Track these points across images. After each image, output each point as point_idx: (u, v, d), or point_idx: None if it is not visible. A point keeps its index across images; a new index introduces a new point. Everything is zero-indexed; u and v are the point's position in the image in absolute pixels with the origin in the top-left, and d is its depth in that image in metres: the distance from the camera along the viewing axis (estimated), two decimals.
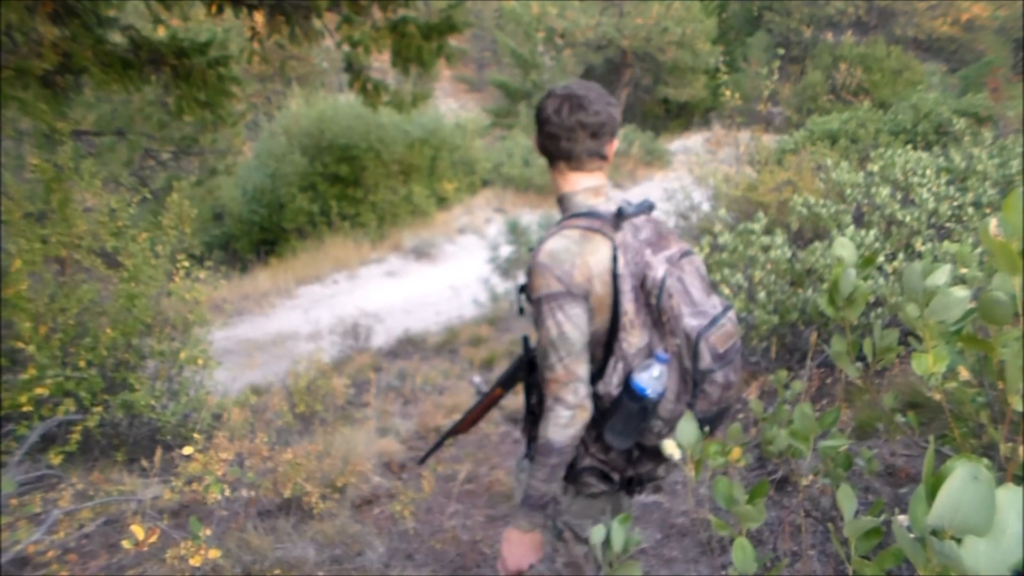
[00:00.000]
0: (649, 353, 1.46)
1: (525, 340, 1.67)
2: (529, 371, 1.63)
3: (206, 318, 4.60)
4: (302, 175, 14.59)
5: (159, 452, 3.17)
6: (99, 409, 3.54)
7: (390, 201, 15.03)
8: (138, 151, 8.26)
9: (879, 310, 3.48)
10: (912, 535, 0.79)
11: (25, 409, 3.30)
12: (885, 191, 4.48)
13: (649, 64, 23.48)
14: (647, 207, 1.57)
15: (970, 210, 4.24)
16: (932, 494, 0.75)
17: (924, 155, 5.45)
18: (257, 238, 14.83)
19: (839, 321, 1.40)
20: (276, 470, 3.32)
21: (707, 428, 1.41)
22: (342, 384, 5.26)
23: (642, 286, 1.45)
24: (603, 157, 1.55)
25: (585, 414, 1.45)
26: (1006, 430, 1.10)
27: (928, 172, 4.78)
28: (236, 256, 14.30)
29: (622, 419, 1.45)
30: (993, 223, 0.95)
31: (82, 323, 3.92)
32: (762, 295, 3.93)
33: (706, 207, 7.76)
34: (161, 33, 4.84)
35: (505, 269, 9.59)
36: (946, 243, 3.15)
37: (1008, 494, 0.69)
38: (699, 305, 1.46)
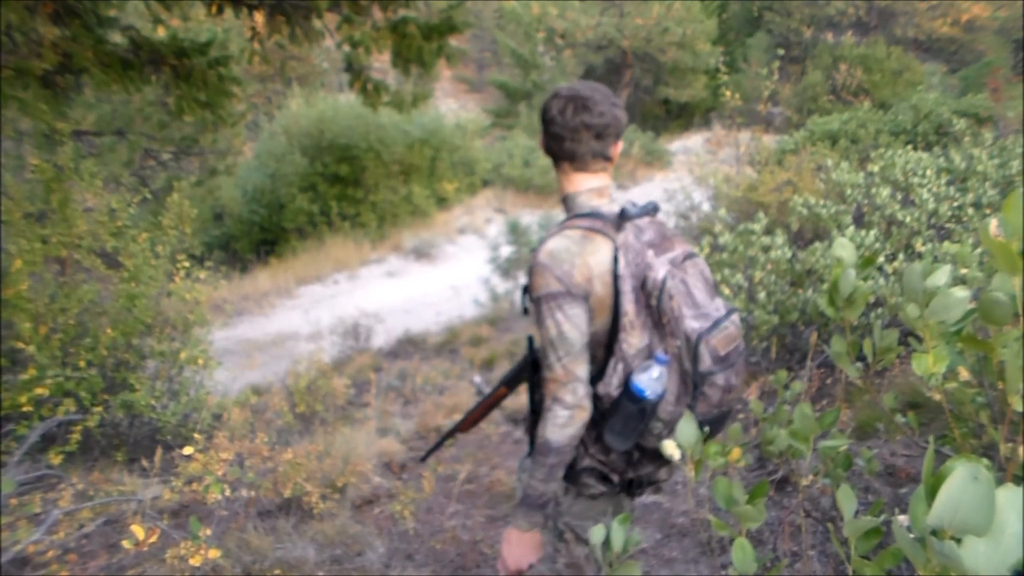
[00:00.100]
0: (649, 354, 1.45)
1: (530, 340, 1.68)
2: (533, 371, 1.63)
3: (206, 318, 4.60)
4: (302, 175, 14.59)
5: (159, 452, 3.17)
6: (99, 409, 3.54)
7: (390, 201, 15.04)
8: (138, 151, 8.26)
9: (879, 310, 3.48)
10: (912, 535, 0.79)
11: (25, 409, 3.30)
12: (885, 191, 4.48)
13: (649, 64, 23.49)
14: (651, 209, 1.57)
15: (970, 211, 4.24)
16: (932, 494, 0.75)
17: (924, 156, 5.45)
18: (257, 238, 14.84)
19: (839, 321, 1.40)
20: (276, 470, 3.32)
21: (706, 430, 1.41)
22: (342, 384, 5.26)
23: (643, 287, 1.44)
24: (607, 158, 1.55)
25: (584, 414, 1.45)
26: (1006, 430, 1.10)
27: (928, 173, 4.78)
28: (236, 256, 14.31)
29: (621, 420, 1.45)
30: (993, 224, 0.95)
31: (82, 323, 3.92)
32: (762, 295, 3.93)
33: (706, 207, 7.76)
34: (161, 33, 4.85)
35: (505, 269, 9.60)
36: (946, 243, 3.15)
37: (1008, 494, 0.69)
38: (702, 307, 1.46)
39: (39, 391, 3.36)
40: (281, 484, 3.26)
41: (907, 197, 4.64)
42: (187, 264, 4.52)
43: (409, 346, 8.14)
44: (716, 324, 1.44)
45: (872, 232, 3.96)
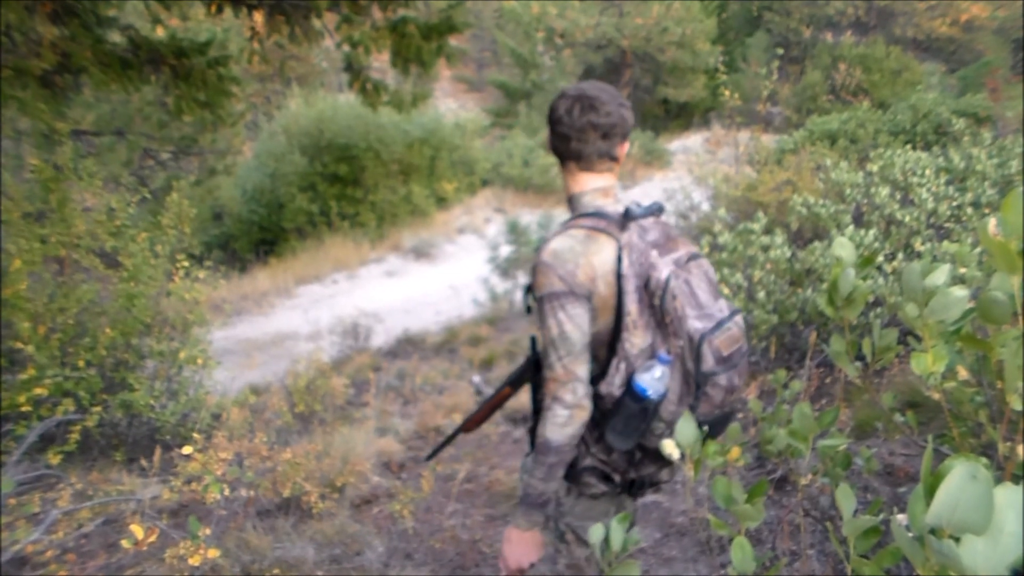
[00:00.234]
0: (652, 354, 1.46)
1: (533, 340, 1.68)
2: (536, 371, 1.63)
3: (205, 318, 4.60)
4: (301, 175, 14.59)
5: (158, 452, 3.18)
6: (98, 409, 3.54)
7: (390, 201, 15.04)
8: (137, 151, 8.26)
9: (878, 310, 3.48)
10: (910, 534, 0.79)
11: (24, 409, 3.30)
12: (884, 191, 4.49)
13: (649, 64, 23.50)
14: (656, 209, 1.57)
15: (969, 210, 4.25)
16: (930, 493, 0.75)
17: (923, 155, 5.46)
18: (256, 238, 14.83)
19: (838, 321, 1.40)
20: (275, 470, 3.32)
21: (706, 428, 1.41)
22: (341, 384, 5.26)
23: (646, 287, 1.44)
24: (613, 158, 1.55)
25: (583, 414, 1.45)
26: (1004, 429, 1.10)
27: (927, 172, 4.79)
28: (235, 256, 14.30)
29: (623, 420, 1.45)
30: (992, 223, 0.95)
31: (81, 323, 3.92)
32: (761, 295, 3.93)
33: (706, 207, 7.76)
34: (160, 33, 4.85)
35: (505, 269, 9.60)
36: (945, 243, 3.16)
37: (1006, 493, 0.69)
38: (705, 308, 1.46)
39: (38, 391, 3.35)
40: (280, 484, 3.26)
41: (906, 196, 4.65)
42: (186, 264, 4.52)
43: (408, 346, 8.14)
44: (719, 325, 1.45)
45: (871, 231, 3.96)
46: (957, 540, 0.70)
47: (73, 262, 4.17)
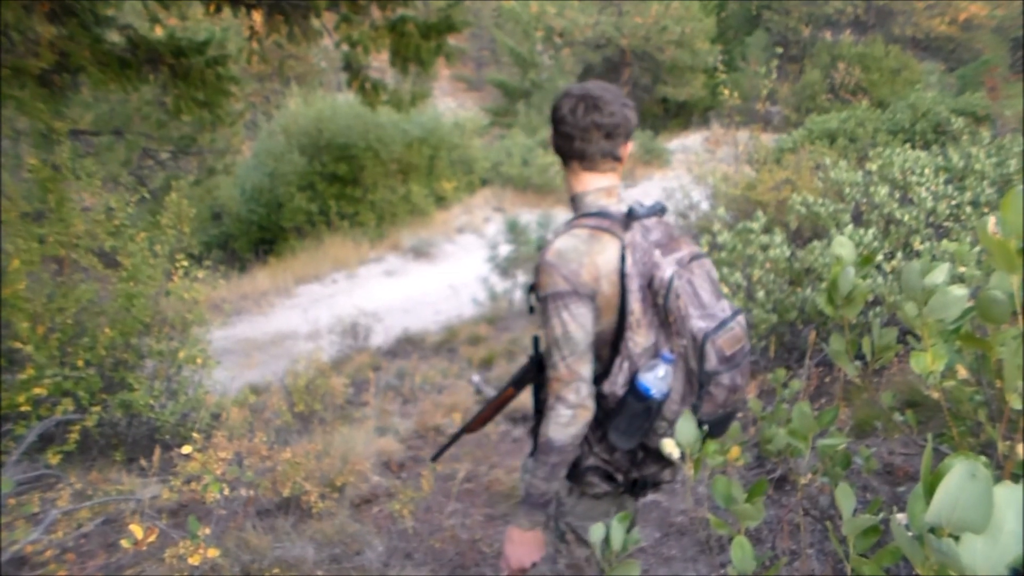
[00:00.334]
0: (655, 353, 1.46)
1: (535, 340, 1.68)
2: (539, 371, 1.64)
3: (205, 317, 4.60)
4: (301, 174, 14.58)
5: (158, 451, 3.18)
6: (97, 409, 3.54)
7: (389, 200, 15.03)
8: (136, 150, 8.26)
9: (878, 309, 3.49)
10: (910, 533, 0.79)
11: (23, 409, 3.30)
12: (883, 190, 4.49)
13: (648, 63, 23.50)
14: (659, 209, 1.58)
15: (968, 209, 4.25)
16: (930, 492, 0.75)
17: (922, 154, 5.45)
18: (256, 237, 14.82)
19: (838, 320, 1.40)
20: (275, 469, 3.32)
21: (707, 428, 1.41)
22: (341, 383, 5.26)
23: (649, 286, 1.45)
24: (617, 158, 1.55)
25: (587, 413, 1.45)
26: (1004, 428, 1.10)
27: (926, 171, 4.78)
28: (235, 255, 14.29)
29: (626, 419, 1.45)
30: (991, 221, 0.95)
31: (80, 323, 3.92)
32: (761, 294, 3.94)
33: (705, 206, 7.76)
34: (159, 32, 4.85)
35: (504, 268, 9.59)
36: (944, 242, 3.16)
37: (1006, 492, 0.69)
38: (708, 308, 1.46)
39: (37, 391, 3.35)
40: (280, 483, 3.26)
41: (905, 195, 4.65)
42: (185, 263, 4.51)
43: (408, 345, 8.13)
44: (722, 324, 1.45)
45: (870, 231, 3.96)
46: (956, 539, 0.70)
47: (72, 262, 4.17)
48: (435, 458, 2.03)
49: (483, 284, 9.44)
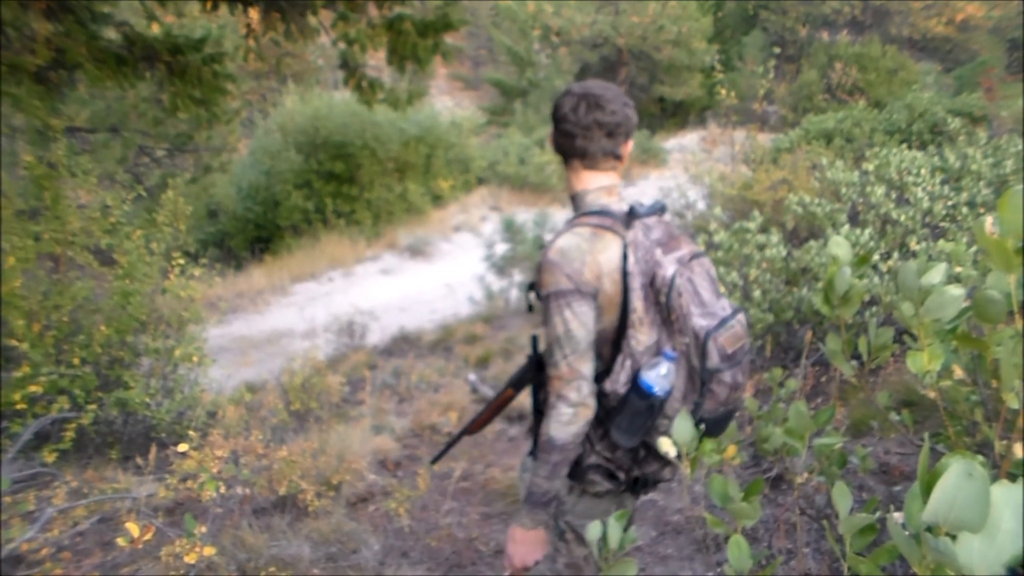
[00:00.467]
0: (657, 351, 1.47)
1: (534, 340, 1.68)
2: (538, 370, 1.64)
3: (201, 315, 4.59)
4: (297, 172, 14.55)
5: (154, 450, 3.18)
6: (93, 407, 3.53)
7: (385, 199, 15.01)
8: (132, 148, 8.23)
9: (874, 309, 3.49)
10: (907, 532, 0.79)
11: (19, 407, 3.29)
12: (880, 190, 4.49)
13: (645, 62, 23.50)
14: (659, 208, 1.58)
15: (964, 209, 4.26)
16: (927, 491, 0.75)
17: (919, 154, 5.46)
18: (252, 235, 14.80)
19: (834, 319, 1.41)
20: (271, 468, 3.31)
21: (707, 425, 1.41)
22: (337, 382, 5.25)
23: (651, 284, 1.45)
24: (617, 157, 1.56)
25: (588, 412, 1.45)
26: (1000, 427, 1.11)
27: (923, 171, 4.79)
28: (231, 253, 14.26)
29: (629, 417, 1.45)
30: (988, 222, 0.95)
31: (76, 320, 3.91)
32: (757, 294, 3.94)
33: (702, 206, 7.76)
34: (155, 30, 4.83)
35: (501, 267, 9.58)
36: (941, 242, 3.17)
37: (1002, 491, 0.69)
38: (708, 306, 1.47)
39: (33, 389, 3.35)
40: (276, 482, 3.26)
41: (902, 196, 4.66)
42: (182, 261, 4.51)
43: (404, 344, 8.12)
44: (723, 322, 1.46)
45: (867, 231, 3.97)
46: (953, 538, 0.70)
47: (68, 259, 4.16)
48: (435, 461, 2.03)
49: (479, 283, 9.44)
